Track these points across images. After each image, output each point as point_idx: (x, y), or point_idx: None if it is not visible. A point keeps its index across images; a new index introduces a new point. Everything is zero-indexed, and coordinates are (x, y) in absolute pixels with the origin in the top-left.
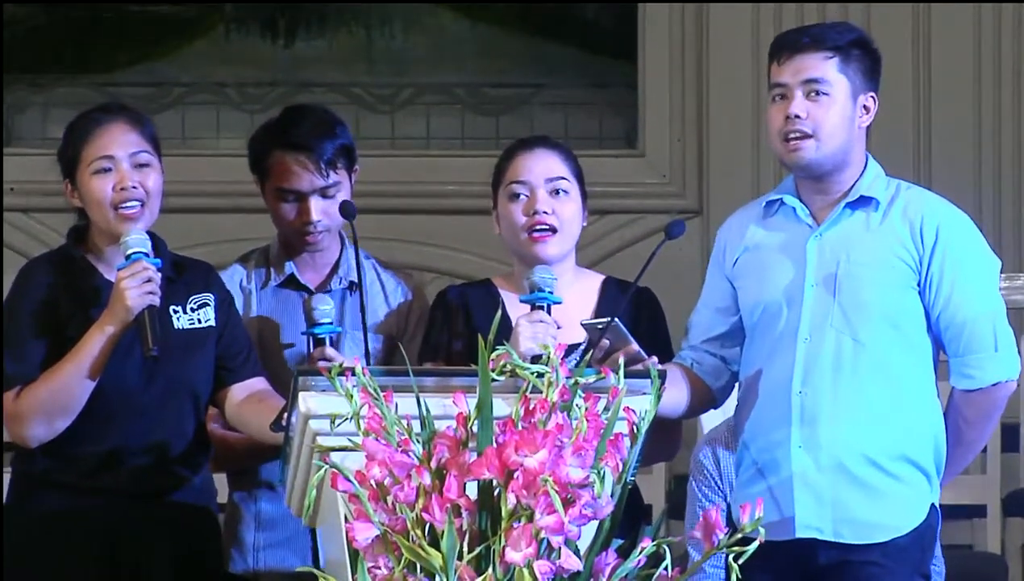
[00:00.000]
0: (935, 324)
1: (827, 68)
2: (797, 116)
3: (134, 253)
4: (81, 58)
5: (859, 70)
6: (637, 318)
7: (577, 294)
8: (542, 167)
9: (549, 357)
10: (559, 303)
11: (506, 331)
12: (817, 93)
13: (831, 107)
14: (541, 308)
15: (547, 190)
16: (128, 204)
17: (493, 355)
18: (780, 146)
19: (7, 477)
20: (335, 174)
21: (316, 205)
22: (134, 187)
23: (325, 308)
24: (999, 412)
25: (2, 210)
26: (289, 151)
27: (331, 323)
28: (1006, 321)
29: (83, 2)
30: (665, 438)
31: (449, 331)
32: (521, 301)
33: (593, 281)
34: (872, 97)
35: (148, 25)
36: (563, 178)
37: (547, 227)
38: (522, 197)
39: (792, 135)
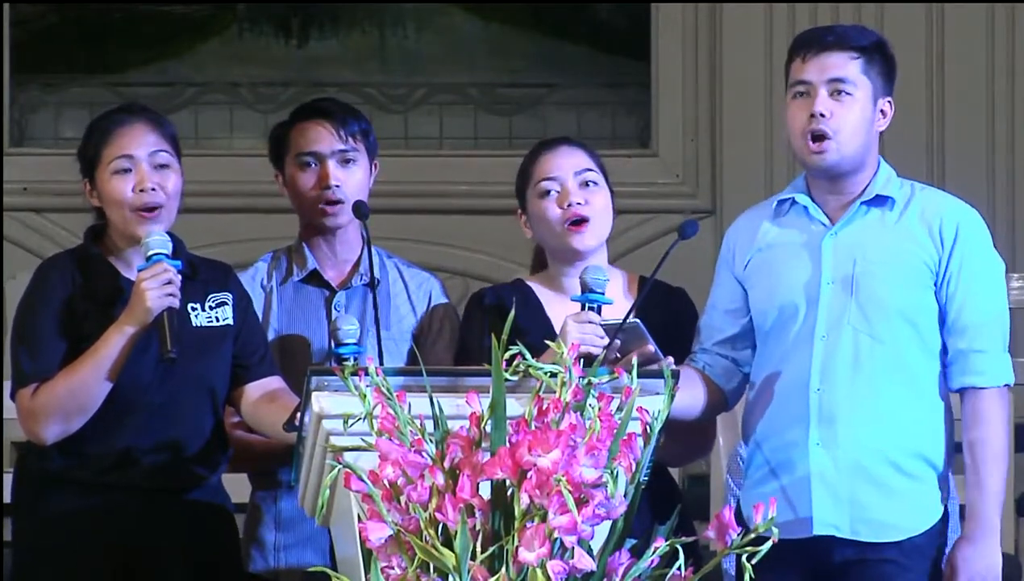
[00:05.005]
0: (947, 322)
1: (852, 68)
2: (822, 114)
3: (155, 254)
4: (94, 58)
5: (879, 73)
6: (677, 322)
7: (611, 291)
8: (570, 161)
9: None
10: (610, 304)
11: (543, 330)
12: (841, 93)
13: (853, 108)
14: (592, 309)
15: (577, 182)
16: (147, 206)
17: (507, 354)
18: (801, 144)
19: (7, 478)
20: (354, 144)
21: (335, 170)
22: (153, 189)
23: (350, 328)
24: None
25: (1, 208)
26: (310, 117)
27: (355, 343)
28: (1008, 324)
29: (96, 2)
30: (699, 437)
31: (485, 334)
32: (572, 299)
33: (630, 278)
34: (889, 102)
35: (161, 25)
36: (591, 170)
37: (581, 218)
38: (553, 192)
39: (815, 134)
